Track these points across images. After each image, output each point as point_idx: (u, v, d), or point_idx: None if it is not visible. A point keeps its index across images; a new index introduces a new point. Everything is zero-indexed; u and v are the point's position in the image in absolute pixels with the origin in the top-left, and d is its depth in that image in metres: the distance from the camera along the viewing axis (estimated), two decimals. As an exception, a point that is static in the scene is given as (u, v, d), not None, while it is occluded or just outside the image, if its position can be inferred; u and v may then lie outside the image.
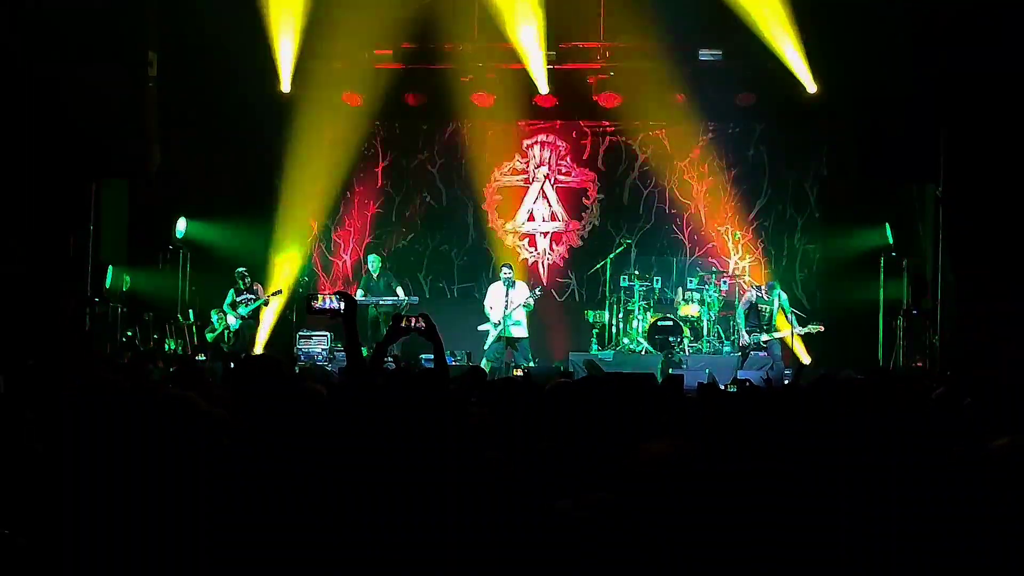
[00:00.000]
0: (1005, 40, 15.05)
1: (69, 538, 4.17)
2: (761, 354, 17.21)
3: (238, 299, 18.61)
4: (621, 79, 19.05)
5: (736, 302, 18.03)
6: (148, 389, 7.44)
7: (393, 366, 13.81)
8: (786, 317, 17.43)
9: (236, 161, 19.68)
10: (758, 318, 17.10)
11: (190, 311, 18.85)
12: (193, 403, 4.77)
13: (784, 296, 17.60)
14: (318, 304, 6.10)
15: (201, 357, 17.20)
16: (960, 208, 16.06)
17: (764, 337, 17.01)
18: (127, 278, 18.18)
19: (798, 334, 17.41)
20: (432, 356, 6.04)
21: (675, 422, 6.08)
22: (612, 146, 20.56)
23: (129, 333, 17.70)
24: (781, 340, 17.44)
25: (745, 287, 18.14)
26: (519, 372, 14.78)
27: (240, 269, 18.69)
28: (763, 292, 17.28)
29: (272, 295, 18.67)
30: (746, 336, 16.94)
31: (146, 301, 18.48)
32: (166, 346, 18.14)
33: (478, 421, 5.35)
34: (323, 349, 18.67)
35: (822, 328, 17.37)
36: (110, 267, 17.23)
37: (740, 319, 17.25)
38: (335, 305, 6.06)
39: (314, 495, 4.52)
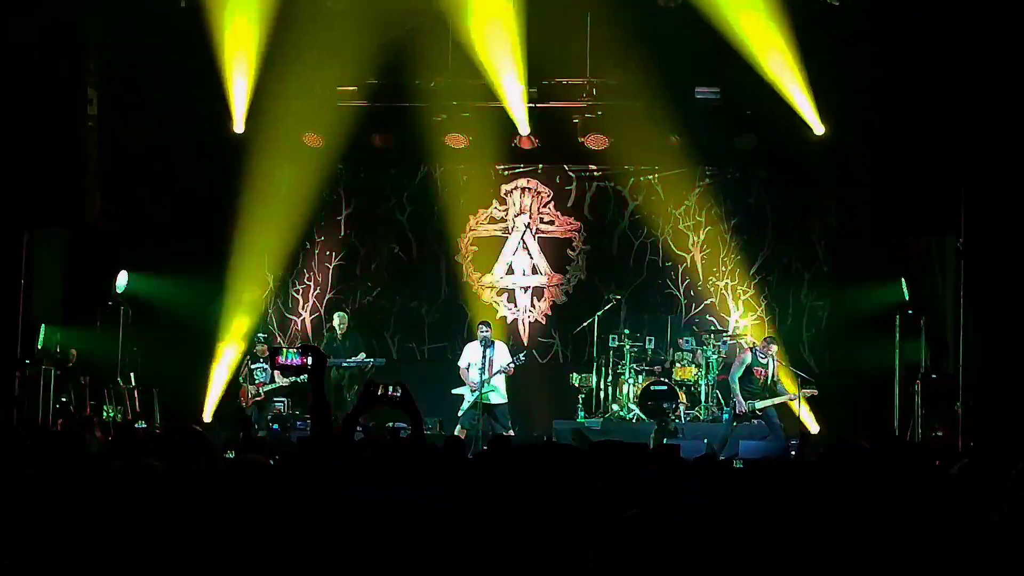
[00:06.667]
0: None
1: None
2: (757, 422, 17.21)
3: (253, 367, 18.73)
4: (609, 119, 19.17)
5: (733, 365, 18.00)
6: (86, 461, 7.45)
7: (362, 435, 13.76)
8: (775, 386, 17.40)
9: (184, 209, 19.70)
10: (752, 383, 17.11)
11: (131, 374, 18.77)
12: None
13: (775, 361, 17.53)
14: (283, 359, 6.08)
15: (141, 424, 17.13)
16: (983, 261, 16.14)
17: (759, 405, 16.99)
18: (60, 336, 18.10)
19: (792, 399, 17.37)
20: (406, 425, 6.04)
21: (672, 498, 6.09)
22: (599, 192, 20.69)
23: (63, 399, 17.59)
24: (783, 407, 17.39)
25: (745, 347, 18.14)
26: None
27: (260, 334, 19.11)
28: (759, 353, 17.28)
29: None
30: (743, 403, 16.96)
31: (83, 363, 18.37)
32: (104, 413, 18.03)
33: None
34: (280, 416, 18.64)
35: (815, 392, 17.39)
36: (43, 326, 17.16)
37: (735, 384, 17.25)
38: (301, 361, 6.04)
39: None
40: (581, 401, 18.86)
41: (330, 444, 5.88)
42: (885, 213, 18.55)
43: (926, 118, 16.93)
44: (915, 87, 16.55)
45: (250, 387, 18.72)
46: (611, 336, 18.99)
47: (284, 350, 6.12)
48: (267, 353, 18.61)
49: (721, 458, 13.59)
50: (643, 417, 18.25)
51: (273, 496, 5.21)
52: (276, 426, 18.41)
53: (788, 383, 17.58)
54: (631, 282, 20.37)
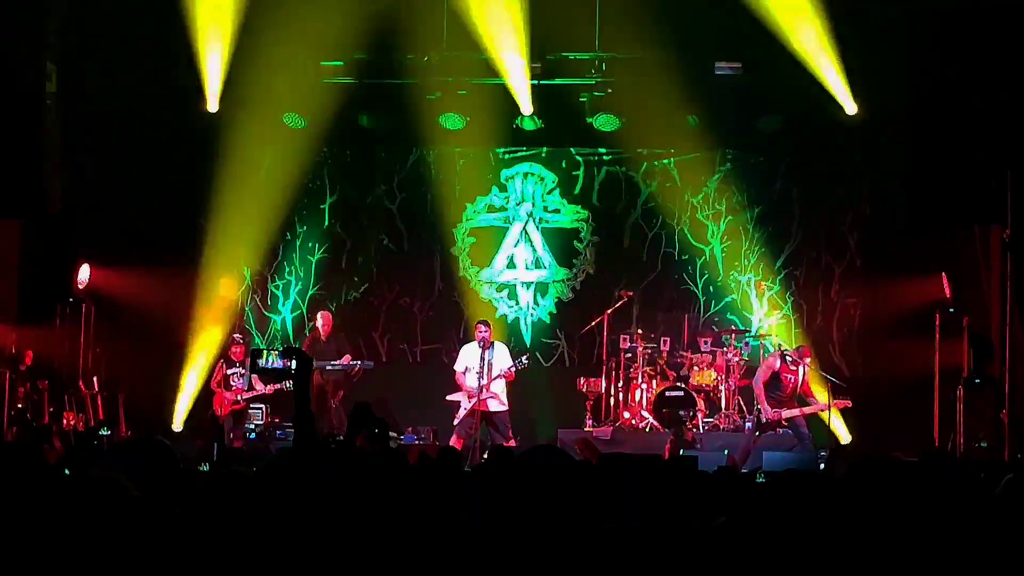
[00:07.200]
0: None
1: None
2: (783, 432, 17.17)
3: (229, 372, 18.63)
4: (620, 97, 19.15)
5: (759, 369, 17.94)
6: (44, 472, 7.49)
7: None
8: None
9: (152, 196, 19.68)
10: (779, 389, 17.07)
11: (94, 378, 18.77)
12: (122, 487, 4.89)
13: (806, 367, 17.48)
14: (264, 363, 6.06)
15: (105, 431, 17.13)
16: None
17: (786, 414, 16.95)
18: (15, 336, 18.12)
19: (823, 410, 17.33)
20: (394, 434, 6.11)
21: (688, 513, 6.11)
22: (609, 178, 20.68)
23: (19, 405, 17.59)
24: (813, 416, 17.36)
25: (775, 352, 18.11)
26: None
27: (237, 335, 18.96)
28: (790, 359, 17.22)
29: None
30: (769, 411, 16.92)
31: (40, 365, 18.37)
32: (64, 421, 18.03)
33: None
34: (258, 424, 18.62)
35: (848, 403, 17.36)
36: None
37: (759, 390, 17.21)
38: (284, 364, 6.03)
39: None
40: (589, 408, 18.85)
41: (315, 456, 5.90)
42: (924, 201, 18.53)
43: (969, 96, 16.90)
44: (957, 62, 16.52)
45: (226, 394, 18.62)
46: (622, 336, 18.97)
47: (265, 352, 6.09)
48: (243, 356, 18.58)
49: (743, 471, 13.63)
50: (657, 426, 18.24)
51: (255, 511, 5.24)
52: (254, 435, 18.42)
53: (819, 390, 17.52)
54: (644, 277, 20.35)
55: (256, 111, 19.47)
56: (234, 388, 18.59)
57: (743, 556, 5.10)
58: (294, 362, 6.03)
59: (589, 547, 5.29)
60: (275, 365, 6.05)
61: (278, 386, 18.10)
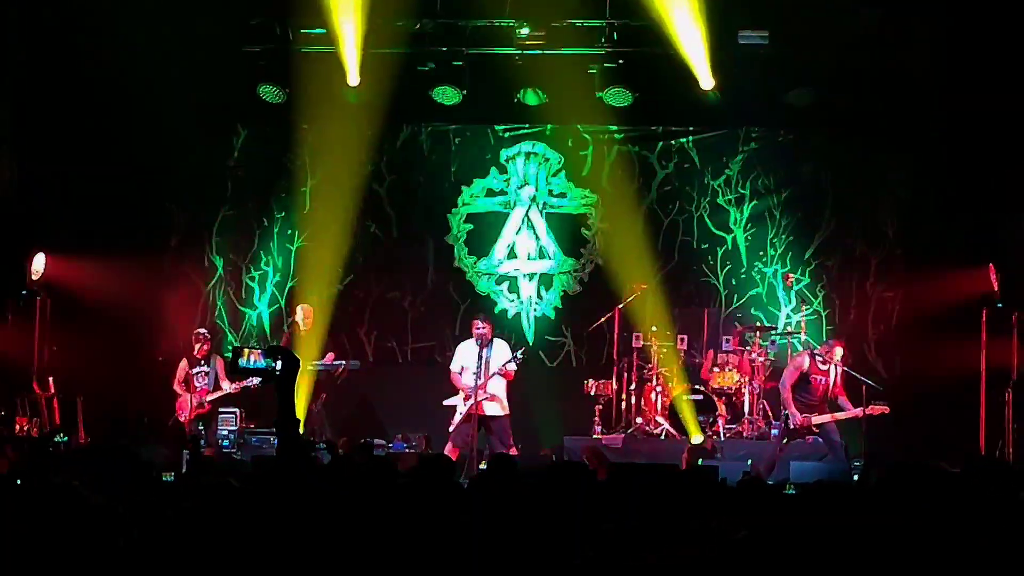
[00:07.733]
0: None
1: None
2: (813, 439, 17.13)
3: (192, 372, 18.56)
4: (633, 69, 19.14)
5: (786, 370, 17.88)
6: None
7: (328, 456, 13.87)
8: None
9: (114, 178, 19.66)
10: (809, 392, 17.00)
11: (50, 379, 18.76)
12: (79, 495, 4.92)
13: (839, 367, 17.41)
14: (245, 363, 6.04)
15: (62, 437, 17.12)
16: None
17: (816, 419, 16.88)
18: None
19: (857, 415, 17.28)
20: (382, 440, 6.16)
21: (707, 530, 6.13)
22: (621, 158, 20.67)
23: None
24: (846, 422, 17.33)
25: (802, 351, 18.09)
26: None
27: (200, 330, 18.82)
28: (819, 357, 17.16)
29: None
30: (798, 416, 16.87)
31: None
32: (16, 426, 18.04)
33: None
34: (230, 430, 18.60)
35: (886, 410, 17.33)
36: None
37: (787, 394, 17.15)
38: (268, 365, 6.02)
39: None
40: (598, 413, 18.85)
41: (302, 466, 5.93)
42: (969, 185, 18.53)
43: (1016, 72, 16.90)
44: (1006, 25, 16.50)
45: (191, 397, 18.53)
46: (635, 334, 18.98)
47: (246, 351, 6.06)
48: (206, 354, 18.53)
49: (769, 483, 13.64)
50: (674, 433, 18.23)
51: (243, 524, 5.27)
52: (226, 443, 18.41)
53: (853, 394, 17.49)
54: (660, 268, 20.34)
55: (229, 84, 19.45)
56: (198, 389, 18.50)
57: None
58: (280, 363, 6.00)
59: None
60: (258, 365, 6.02)
61: (244, 383, 18.04)
